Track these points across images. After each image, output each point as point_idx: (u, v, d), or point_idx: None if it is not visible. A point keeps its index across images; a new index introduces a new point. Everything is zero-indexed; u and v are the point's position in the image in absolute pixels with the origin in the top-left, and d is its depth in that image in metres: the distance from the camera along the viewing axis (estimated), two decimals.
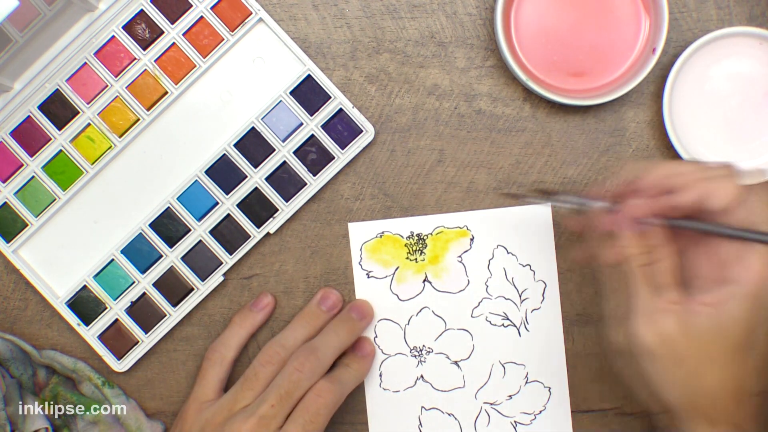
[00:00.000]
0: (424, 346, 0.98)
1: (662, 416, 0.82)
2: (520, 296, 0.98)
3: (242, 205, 0.96)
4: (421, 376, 0.98)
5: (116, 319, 0.96)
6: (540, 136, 0.97)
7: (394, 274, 0.97)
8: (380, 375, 0.97)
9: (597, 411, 0.99)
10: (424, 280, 0.97)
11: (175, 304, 0.96)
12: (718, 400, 0.78)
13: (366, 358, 0.96)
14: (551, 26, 0.94)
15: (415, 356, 0.98)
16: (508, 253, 0.97)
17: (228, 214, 0.96)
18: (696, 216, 0.79)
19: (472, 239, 0.97)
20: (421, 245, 0.97)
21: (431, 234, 0.97)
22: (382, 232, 0.97)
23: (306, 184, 0.96)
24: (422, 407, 0.98)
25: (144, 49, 0.95)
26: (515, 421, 0.98)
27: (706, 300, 0.78)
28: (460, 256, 0.98)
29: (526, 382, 0.98)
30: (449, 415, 0.98)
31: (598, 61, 0.94)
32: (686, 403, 0.79)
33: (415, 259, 0.97)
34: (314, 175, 0.96)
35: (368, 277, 0.97)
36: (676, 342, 0.77)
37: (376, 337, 0.97)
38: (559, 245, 0.97)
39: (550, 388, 0.98)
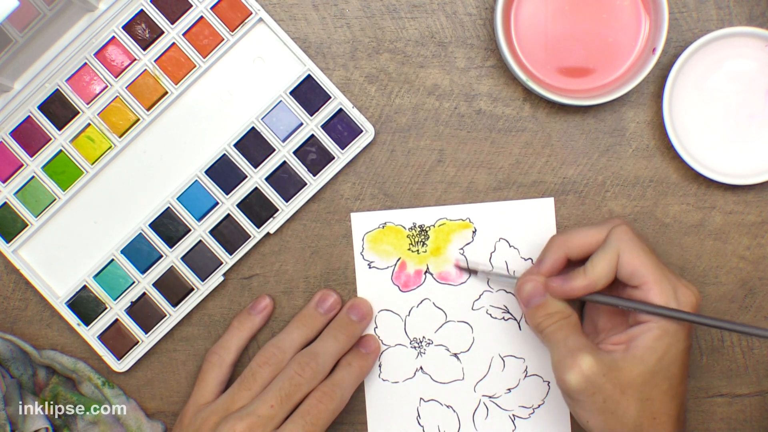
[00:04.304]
0: (424, 337, 0.98)
1: None
2: None
3: (242, 205, 0.96)
4: (421, 368, 0.98)
5: (116, 319, 0.96)
6: (540, 136, 0.97)
7: (395, 265, 0.98)
8: (380, 366, 0.98)
9: None
10: (426, 272, 0.98)
11: (175, 304, 0.96)
12: (639, 427, 0.88)
13: (369, 355, 0.96)
14: (551, 26, 0.93)
15: (414, 347, 0.98)
16: (510, 246, 0.97)
17: (228, 214, 0.96)
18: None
19: (474, 232, 0.97)
20: (423, 237, 0.97)
21: (434, 226, 0.97)
22: (385, 223, 0.97)
23: (306, 184, 0.96)
24: (421, 399, 0.98)
25: (144, 49, 0.95)
26: (514, 415, 0.98)
27: (615, 340, 0.89)
28: (462, 249, 0.98)
29: (526, 376, 0.98)
30: (448, 407, 0.98)
31: (598, 61, 0.94)
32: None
33: (417, 250, 0.98)
34: (314, 175, 0.96)
35: (369, 268, 0.97)
36: (596, 378, 0.86)
37: (377, 327, 0.97)
38: None
39: (549, 383, 0.98)
